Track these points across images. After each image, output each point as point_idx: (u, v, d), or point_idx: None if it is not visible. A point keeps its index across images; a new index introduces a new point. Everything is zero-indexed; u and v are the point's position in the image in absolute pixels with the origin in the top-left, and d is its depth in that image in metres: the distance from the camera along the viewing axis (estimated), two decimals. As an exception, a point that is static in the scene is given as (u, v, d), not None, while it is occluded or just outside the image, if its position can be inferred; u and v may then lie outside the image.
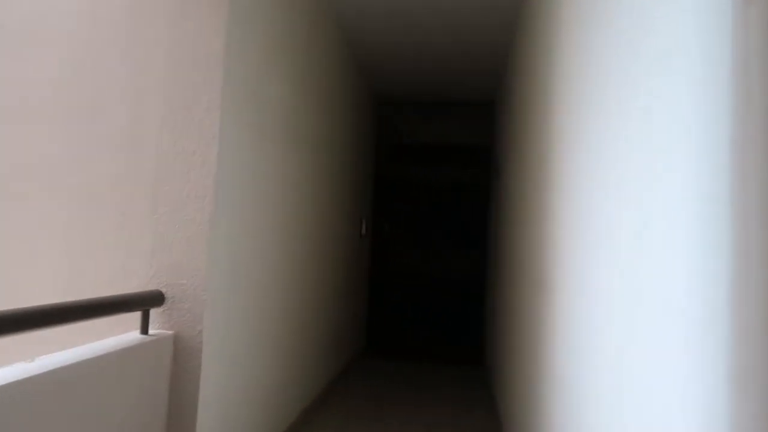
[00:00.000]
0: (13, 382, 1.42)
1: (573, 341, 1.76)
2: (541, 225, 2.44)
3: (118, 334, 2.02)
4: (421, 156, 6.81)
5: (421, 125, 6.48)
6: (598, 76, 1.60)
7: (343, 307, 4.91)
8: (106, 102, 2.26)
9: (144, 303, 2.07)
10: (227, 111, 2.25)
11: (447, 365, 5.74)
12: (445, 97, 6.13)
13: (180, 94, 2.20)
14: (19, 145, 2.28)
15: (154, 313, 2.13)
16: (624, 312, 1.25)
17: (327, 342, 4.29)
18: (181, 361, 2.13)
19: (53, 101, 2.29)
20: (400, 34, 4.40)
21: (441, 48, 4.66)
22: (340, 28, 4.15)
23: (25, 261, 2.25)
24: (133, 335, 2.03)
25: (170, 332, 2.14)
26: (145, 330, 2.06)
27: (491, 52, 4.66)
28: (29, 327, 1.59)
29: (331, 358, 4.48)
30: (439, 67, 5.17)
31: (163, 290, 2.16)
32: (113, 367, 1.82)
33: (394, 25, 4.19)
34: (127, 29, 2.27)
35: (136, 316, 2.07)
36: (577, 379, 1.69)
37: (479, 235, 6.56)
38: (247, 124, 2.46)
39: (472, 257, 6.71)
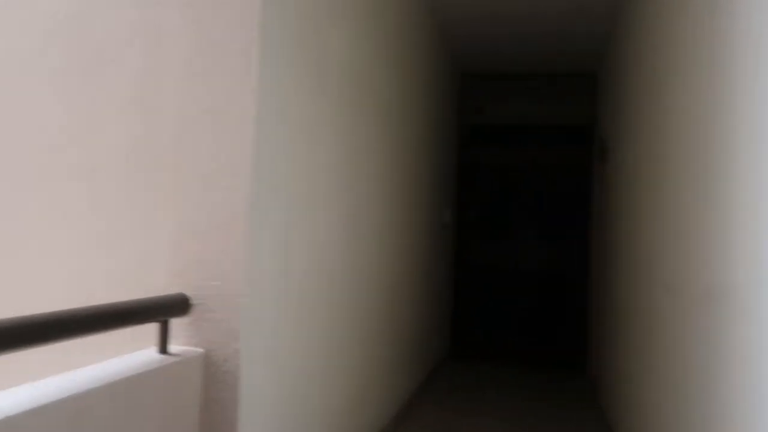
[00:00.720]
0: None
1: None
2: (699, 222, 1.73)
3: (128, 353, 1.50)
4: (507, 136, 6.03)
5: (508, 101, 5.71)
6: None
7: (425, 307, 4.29)
8: (114, 49, 1.74)
9: (162, 311, 1.54)
10: (270, 55, 1.68)
11: (542, 372, 5.08)
12: (536, 68, 5.34)
13: (206, 33, 1.65)
14: (6, 108, 1.82)
15: (176, 324, 1.60)
16: None
17: (406, 350, 3.68)
18: (212, 391, 1.59)
19: (49, 51, 1.80)
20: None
21: (533, 6, 3.90)
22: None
23: (13, 257, 1.79)
24: (148, 355, 1.51)
25: (199, 350, 1.60)
26: (163, 348, 1.54)
27: (596, 11, 3.85)
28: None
29: (412, 366, 3.87)
30: (530, 31, 4.41)
31: (189, 294, 1.62)
32: (116, 403, 1.30)
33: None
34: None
35: (151, 329, 1.54)
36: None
37: (575, 225, 5.72)
38: (298, 75, 1.89)
39: (565, 249, 5.86)
